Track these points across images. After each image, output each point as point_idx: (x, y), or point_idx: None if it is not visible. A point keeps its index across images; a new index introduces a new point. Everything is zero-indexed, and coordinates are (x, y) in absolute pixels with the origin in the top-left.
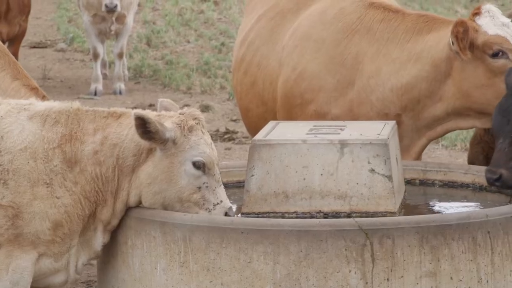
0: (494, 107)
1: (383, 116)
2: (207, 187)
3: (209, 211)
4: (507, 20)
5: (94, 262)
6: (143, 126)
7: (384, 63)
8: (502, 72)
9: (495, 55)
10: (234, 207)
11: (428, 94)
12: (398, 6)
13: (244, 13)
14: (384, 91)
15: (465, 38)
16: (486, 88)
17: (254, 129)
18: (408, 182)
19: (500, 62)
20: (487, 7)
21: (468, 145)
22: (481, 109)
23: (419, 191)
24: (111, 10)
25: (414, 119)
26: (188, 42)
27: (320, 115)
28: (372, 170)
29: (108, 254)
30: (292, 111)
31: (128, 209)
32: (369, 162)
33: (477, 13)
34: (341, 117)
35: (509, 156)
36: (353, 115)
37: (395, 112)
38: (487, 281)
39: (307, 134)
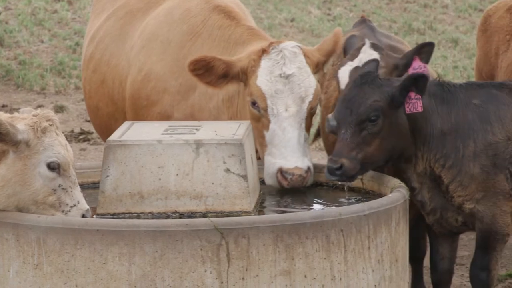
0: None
1: None
2: (63, 188)
3: (66, 213)
4: (291, 71)
5: None
6: None
7: None
8: (258, 119)
9: (253, 103)
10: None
11: (243, 107)
12: (237, 13)
13: (92, 13)
14: (218, 101)
15: (206, 73)
16: (252, 123)
17: (104, 129)
18: (263, 181)
19: (254, 111)
20: (283, 46)
21: (322, 144)
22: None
23: (274, 190)
24: None
25: None
26: (42, 42)
27: (163, 118)
28: (228, 170)
29: None
30: (139, 112)
31: None
32: (224, 162)
33: (265, 51)
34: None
35: (350, 146)
36: (194, 120)
37: None
38: (341, 279)
39: (163, 134)
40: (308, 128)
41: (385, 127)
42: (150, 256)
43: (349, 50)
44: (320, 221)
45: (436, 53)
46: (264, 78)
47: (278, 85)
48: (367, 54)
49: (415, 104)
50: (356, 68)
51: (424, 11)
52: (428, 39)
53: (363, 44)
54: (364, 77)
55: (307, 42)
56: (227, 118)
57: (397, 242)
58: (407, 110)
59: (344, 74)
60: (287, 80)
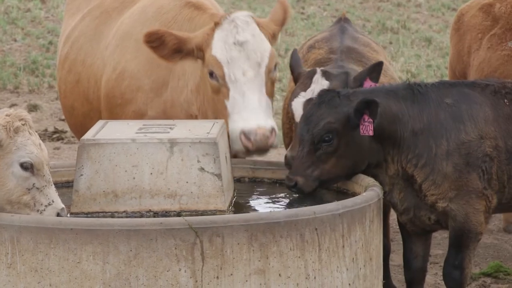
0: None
1: (189, 117)
2: (37, 188)
3: (41, 212)
4: (245, 38)
5: None
6: None
7: (187, 63)
8: (217, 91)
9: (210, 74)
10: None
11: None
12: (206, 4)
13: (66, 12)
14: (188, 92)
15: (160, 47)
16: (211, 98)
17: (79, 128)
18: (238, 180)
19: (213, 82)
20: (235, 16)
21: None
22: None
23: (249, 189)
24: None
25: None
26: (15, 40)
27: (138, 116)
28: (202, 169)
29: None
30: (114, 111)
31: None
32: (198, 161)
33: (217, 23)
34: (156, 119)
35: (305, 164)
36: (166, 117)
37: (195, 113)
38: (315, 277)
39: (137, 133)
40: (269, 94)
41: (341, 146)
42: (124, 255)
43: (295, 67)
44: (295, 219)
45: (409, 52)
46: (218, 47)
47: (233, 53)
48: (319, 84)
49: (367, 127)
50: (310, 100)
51: (398, 10)
52: (401, 38)
53: (314, 73)
54: (323, 96)
55: (281, 41)
56: (196, 109)
57: (371, 240)
58: (361, 132)
59: (298, 106)
60: (242, 47)
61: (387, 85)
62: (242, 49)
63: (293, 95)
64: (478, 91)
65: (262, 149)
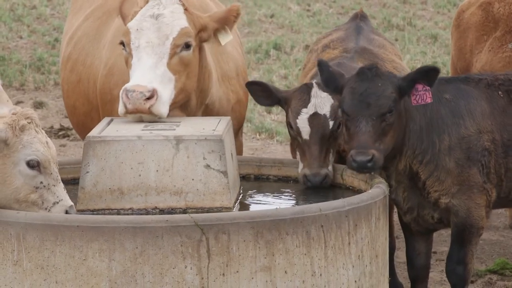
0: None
1: None
2: (44, 186)
3: (49, 210)
4: (161, 12)
5: None
6: None
7: None
8: (127, 61)
9: (121, 44)
10: None
11: None
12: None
13: (70, 11)
14: None
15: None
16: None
17: (81, 127)
18: (243, 177)
19: (124, 53)
20: None
21: None
22: None
23: (254, 186)
24: None
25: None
26: (21, 37)
27: None
28: (208, 166)
29: None
30: (105, 108)
31: None
32: (204, 158)
33: (147, 1)
34: None
35: (374, 137)
36: None
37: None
38: (321, 274)
39: (143, 130)
40: (174, 70)
41: (396, 117)
42: (130, 252)
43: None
44: (301, 216)
45: (415, 49)
46: (135, 19)
47: (145, 23)
48: (319, 98)
49: (423, 95)
50: (315, 114)
51: (403, 7)
52: (407, 35)
53: (311, 88)
54: (371, 71)
55: (286, 38)
56: None
57: (377, 237)
58: (414, 102)
59: (303, 123)
60: (157, 20)
61: None
62: (156, 22)
63: (294, 113)
64: (473, 85)
65: (140, 110)
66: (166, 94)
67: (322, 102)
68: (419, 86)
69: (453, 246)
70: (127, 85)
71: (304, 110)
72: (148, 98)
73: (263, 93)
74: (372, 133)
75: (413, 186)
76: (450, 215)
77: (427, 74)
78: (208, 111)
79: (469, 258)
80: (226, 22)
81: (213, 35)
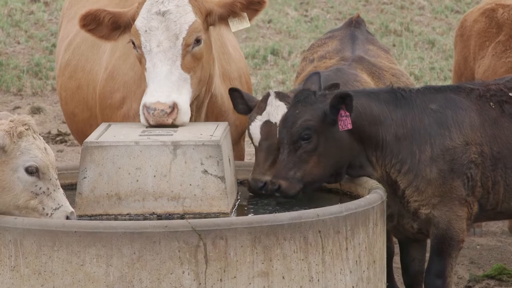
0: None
1: None
2: (43, 192)
3: (50, 216)
4: (167, 8)
5: None
6: None
7: None
8: (140, 62)
9: (133, 44)
10: None
11: None
12: None
13: (64, 17)
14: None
15: (98, 28)
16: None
17: (81, 134)
18: (241, 182)
19: (135, 53)
20: None
21: None
22: None
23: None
24: None
25: None
26: (19, 43)
27: (124, 113)
28: (205, 171)
29: None
30: (104, 112)
31: None
32: (202, 163)
33: (142, 2)
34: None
35: (288, 166)
36: None
37: None
38: (318, 280)
39: (140, 135)
40: (187, 68)
41: (320, 144)
42: (127, 257)
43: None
44: (298, 222)
45: (413, 55)
46: (141, 17)
47: (153, 23)
48: (273, 106)
49: (345, 121)
50: (267, 122)
51: (401, 12)
52: (404, 41)
53: (268, 95)
54: (298, 96)
55: (284, 44)
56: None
57: (375, 243)
58: (340, 127)
59: (255, 130)
60: (164, 17)
61: (368, 88)
62: (164, 20)
63: (250, 119)
64: (463, 96)
65: (163, 124)
66: (186, 100)
67: (275, 110)
68: (342, 112)
69: (433, 258)
70: (147, 101)
71: (258, 117)
72: (170, 113)
73: (241, 100)
74: (285, 162)
75: (392, 193)
76: (430, 226)
77: (343, 101)
78: (212, 101)
79: (448, 271)
80: (231, 7)
81: (220, 20)
